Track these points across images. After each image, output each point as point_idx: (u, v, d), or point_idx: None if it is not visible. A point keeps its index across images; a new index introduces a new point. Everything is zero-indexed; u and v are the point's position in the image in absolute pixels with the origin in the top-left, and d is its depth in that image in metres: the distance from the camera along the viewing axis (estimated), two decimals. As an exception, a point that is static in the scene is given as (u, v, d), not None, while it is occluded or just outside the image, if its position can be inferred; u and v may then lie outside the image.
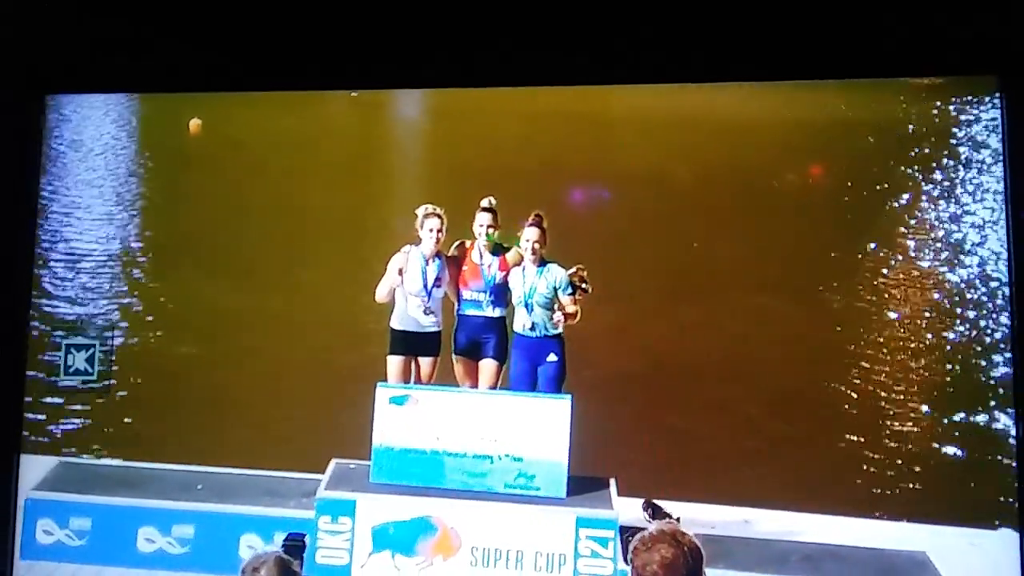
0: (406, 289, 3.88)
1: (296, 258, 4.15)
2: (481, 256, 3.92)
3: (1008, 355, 3.49)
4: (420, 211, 3.90)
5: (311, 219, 4.19)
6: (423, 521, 3.65)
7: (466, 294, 3.91)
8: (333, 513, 3.67)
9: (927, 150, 3.68)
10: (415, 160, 4.29)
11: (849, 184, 3.77)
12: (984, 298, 3.57)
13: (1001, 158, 3.54)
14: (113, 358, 4.09)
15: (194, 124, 4.24)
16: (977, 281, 3.59)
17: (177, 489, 3.88)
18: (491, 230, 3.89)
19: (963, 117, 3.64)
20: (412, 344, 3.91)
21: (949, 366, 3.60)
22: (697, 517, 3.61)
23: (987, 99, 3.59)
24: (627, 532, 3.44)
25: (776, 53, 3.55)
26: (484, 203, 3.90)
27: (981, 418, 3.52)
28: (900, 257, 3.70)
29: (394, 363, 3.90)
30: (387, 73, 3.86)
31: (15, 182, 4.08)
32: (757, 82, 3.77)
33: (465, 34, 3.72)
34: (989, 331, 3.55)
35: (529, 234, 3.85)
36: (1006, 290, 3.49)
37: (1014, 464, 3.41)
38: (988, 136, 3.59)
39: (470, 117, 4.13)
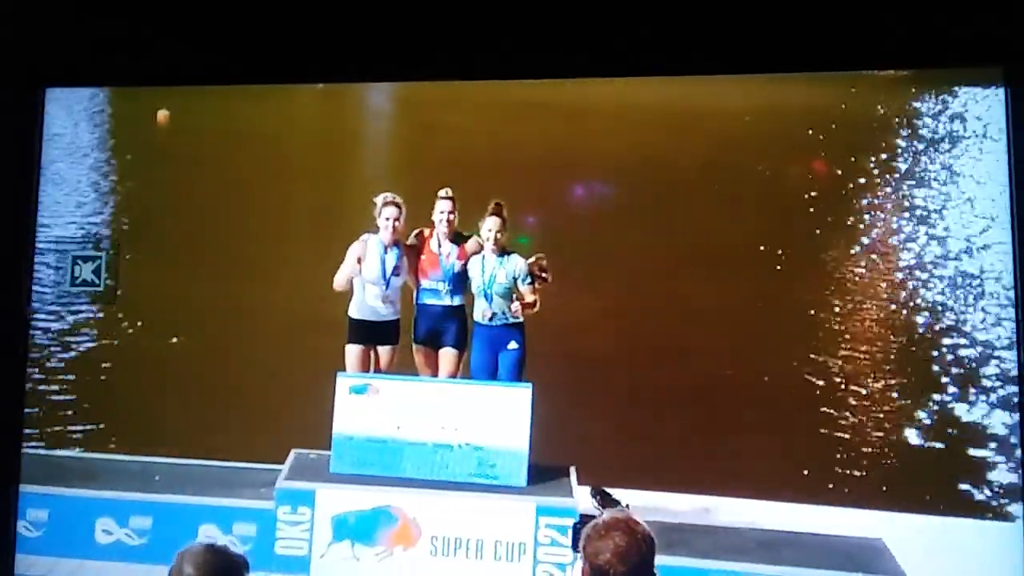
0: (364, 277, 3.85)
1: (254, 247, 4.10)
2: (440, 245, 3.89)
3: (981, 348, 3.49)
4: (379, 199, 3.87)
5: (272, 209, 4.14)
6: (383, 511, 3.65)
7: (425, 283, 3.89)
8: (293, 503, 3.66)
9: (931, 141, 3.65)
10: (381, 151, 4.26)
11: (842, 175, 3.73)
12: (974, 288, 3.55)
13: (1005, 149, 3.49)
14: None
15: (162, 115, 4.20)
16: (969, 271, 3.56)
17: (135, 480, 3.85)
18: (453, 216, 3.87)
19: (965, 108, 3.62)
20: (370, 333, 3.89)
21: (917, 354, 3.60)
22: (658, 505, 3.62)
23: (991, 90, 3.56)
24: (578, 522, 3.46)
25: (781, 46, 3.49)
26: (442, 192, 3.87)
27: (954, 406, 3.51)
28: (882, 247, 3.68)
29: (352, 352, 3.88)
30: (358, 67, 3.82)
31: (14, 179, 4.03)
32: (751, 74, 3.70)
33: (436, 28, 3.66)
34: (969, 322, 3.53)
35: (490, 223, 3.83)
36: (1008, 279, 3.46)
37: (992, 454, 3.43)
38: (992, 127, 3.55)
39: (437, 108, 4.08)
